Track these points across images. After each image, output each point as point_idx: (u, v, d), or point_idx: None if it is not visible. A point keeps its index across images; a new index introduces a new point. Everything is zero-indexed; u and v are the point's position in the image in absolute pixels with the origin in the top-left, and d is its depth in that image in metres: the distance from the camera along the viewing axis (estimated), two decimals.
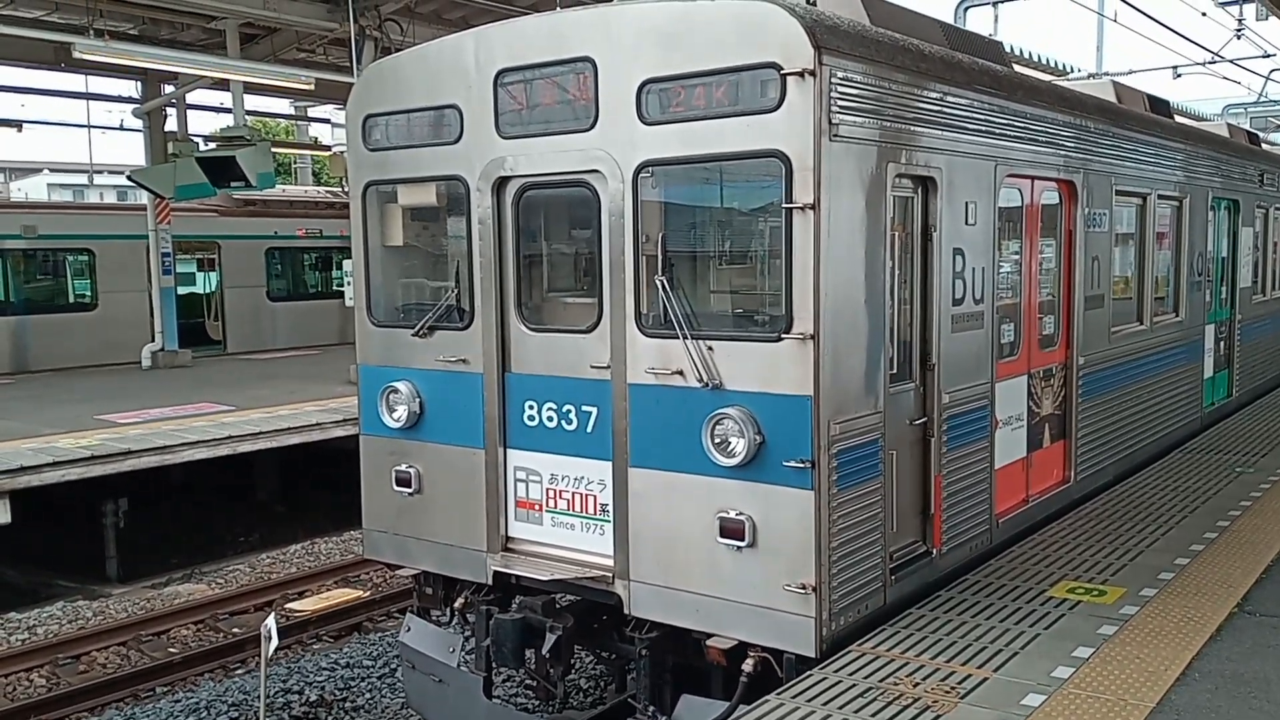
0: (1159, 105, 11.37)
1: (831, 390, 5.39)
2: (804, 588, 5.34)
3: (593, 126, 5.92)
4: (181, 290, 22.12)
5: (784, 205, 5.28)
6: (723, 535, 5.55)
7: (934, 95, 6.13)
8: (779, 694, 5.02)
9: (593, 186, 6.00)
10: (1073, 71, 25.00)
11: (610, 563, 6.04)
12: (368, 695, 9.14)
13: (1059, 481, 8.09)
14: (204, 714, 8.68)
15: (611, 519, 6.04)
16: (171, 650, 10.25)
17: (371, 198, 7.03)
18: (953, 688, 4.96)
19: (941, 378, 6.35)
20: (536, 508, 6.41)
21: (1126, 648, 5.44)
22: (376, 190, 7.00)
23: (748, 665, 5.52)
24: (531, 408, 6.37)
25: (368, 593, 11.80)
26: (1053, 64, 25.23)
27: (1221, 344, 12.14)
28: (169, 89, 20.17)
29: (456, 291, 6.63)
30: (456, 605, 6.74)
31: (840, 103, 5.34)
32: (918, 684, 5.00)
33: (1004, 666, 5.21)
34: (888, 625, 5.80)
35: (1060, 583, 6.42)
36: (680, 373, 5.68)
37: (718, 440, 5.53)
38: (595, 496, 6.15)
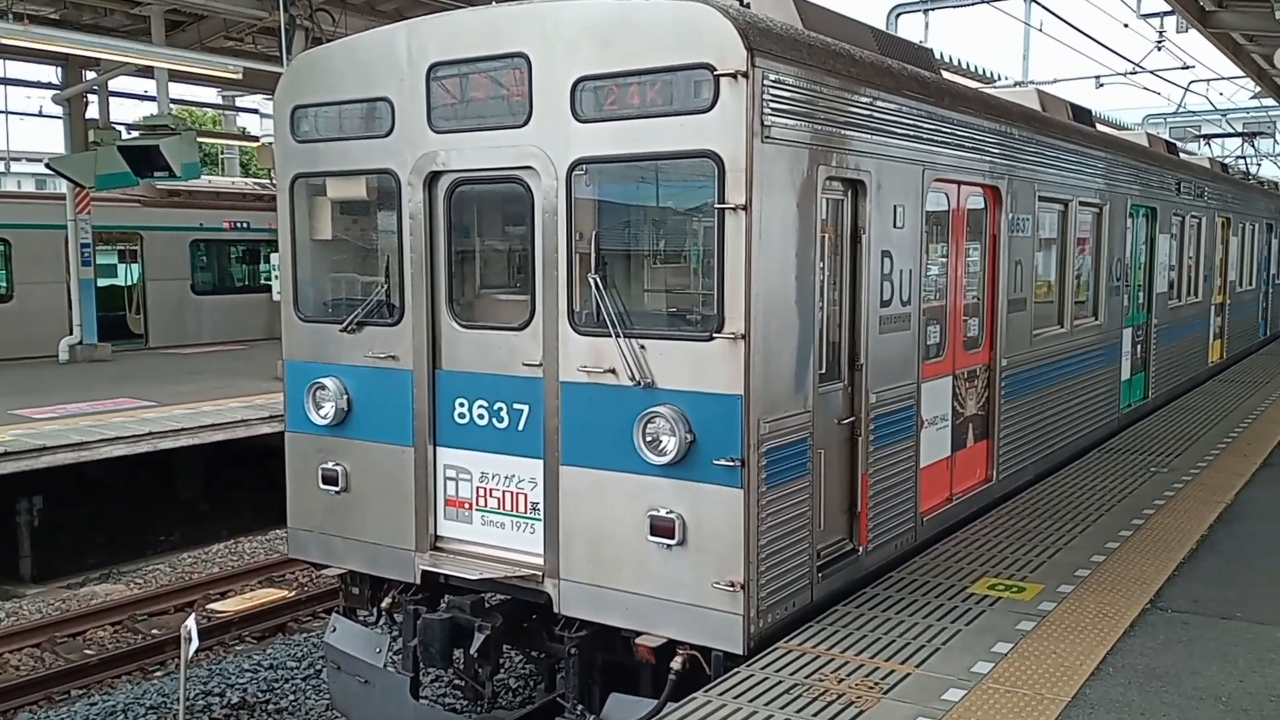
0: (1081, 114, 11.70)
1: (762, 390, 5.44)
2: (732, 585, 5.38)
3: (527, 123, 5.89)
4: (102, 282, 21.46)
5: (716, 206, 5.32)
6: (653, 533, 5.56)
7: (864, 99, 6.23)
8: (706, 691, 5.06)
9: (526, 183, 5.97)
10: (999, 79, 25.56)
11: (540, 561, 6.02)
12: (292, 697, 8.98)
13: (981, 480, 8.28)
14: (121, 717, 8.51)
15: (542, 517, 6.02)
16: (88, 652, 9.99)
17: (299, 190, 6.91)
18: (876, 684, 5.05)
19: (869, 378, 6.46)
20: (466, 506, 6.35)
21: (1044, 643, 5.54)
22: (305, 183, 6.88)
23: (676, 663, 5.55)
24: (462, 405, 6.31)
25: (293, 593, 11.59)
26: (981, 72, 25.80)
27: (1138, 347, 12.54)
28: (91, 75, 19.58)
29: (386, 287, 6.54)
30: (384, 605, 6.65)
31: (772, 105, 5.39)
32: (842, 680, 5.09)
33: (926, 662, 5.31)
34: (814, 622, 5.86)
35: (981, 579, 6.55)
36: (613, 371, 5.68)
37: (649, 439, 5.55)
38: (526, 495, 6.12)
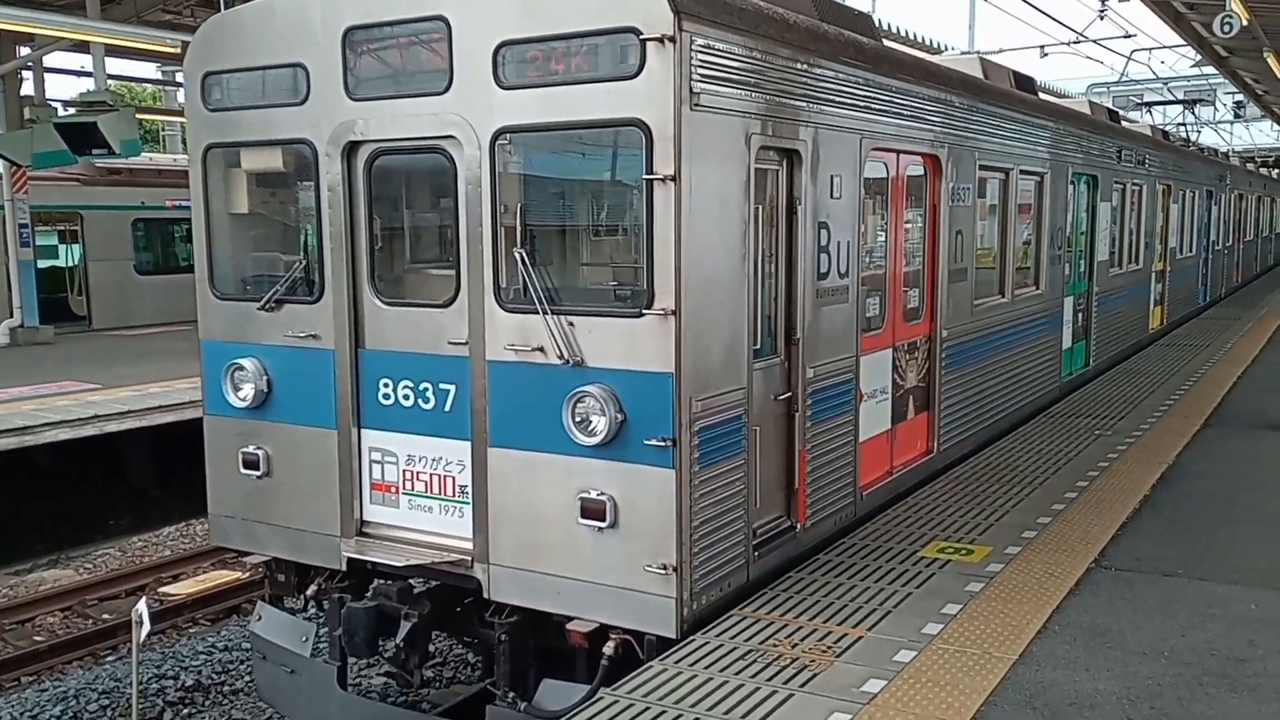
0: (1024, 82, 11.63)
1: (693, 367, 5.28)
2: (665, 568, 5.24)
3: (447, 90, 5.63)
4: (42, 264, 20.83)
5: (644, 177, 5.11)
6: (584, 516, 5.40)
7: (799, 66, 6.04)
8: (662, 659, 5.03)
9: (448, 153, 5.71)
10: (946, 49, 25.55)
11: (469, 546, 5.83)
12: (247, 678, 8.82)
13: (922, 453, 8.23)
14: (73, 703, 8.32)
15: (470, 501, 5.82)
16: (37, 639, 9.83)
17: (213, 161, 6.57)
18: (829, 647, 5.09)
19: (806, 352, 6.32)
20: (392, 490, 6.13)
21: (992, 603, 5.61)
22: (218, 153, 6.55)
23: (608, 648, 5.41)
24: (386, 386, 6.07)
25: (246, 574, 11.30)
26: (927, 42, 25.73)
27: (1080, 315, 12.59)
28: (25, 51, 18.93)
29: (305, 263, 6.26)
30: (309, 593, 6.42)
31: (702, 71, 5.18)
32: (795, 645, 5.13)
33: (877, 625, 5.37)
34: (767, 589, 5.85)
35: (931, 543, 6.60)
36: (541, 349, 5.48)
37: (579, 419, 5.37)
38: (454, 478, 5.92)
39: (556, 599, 5.56)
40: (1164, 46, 28.84)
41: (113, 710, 8.24)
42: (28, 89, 19.20)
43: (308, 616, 6.72)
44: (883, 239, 7.44)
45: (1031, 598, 5.69)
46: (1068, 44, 25.01)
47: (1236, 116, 41.88)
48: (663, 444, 5.19)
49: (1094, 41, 25.10)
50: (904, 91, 7.34)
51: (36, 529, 12.80)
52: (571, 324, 5.39)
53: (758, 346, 5.92)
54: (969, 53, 25.89)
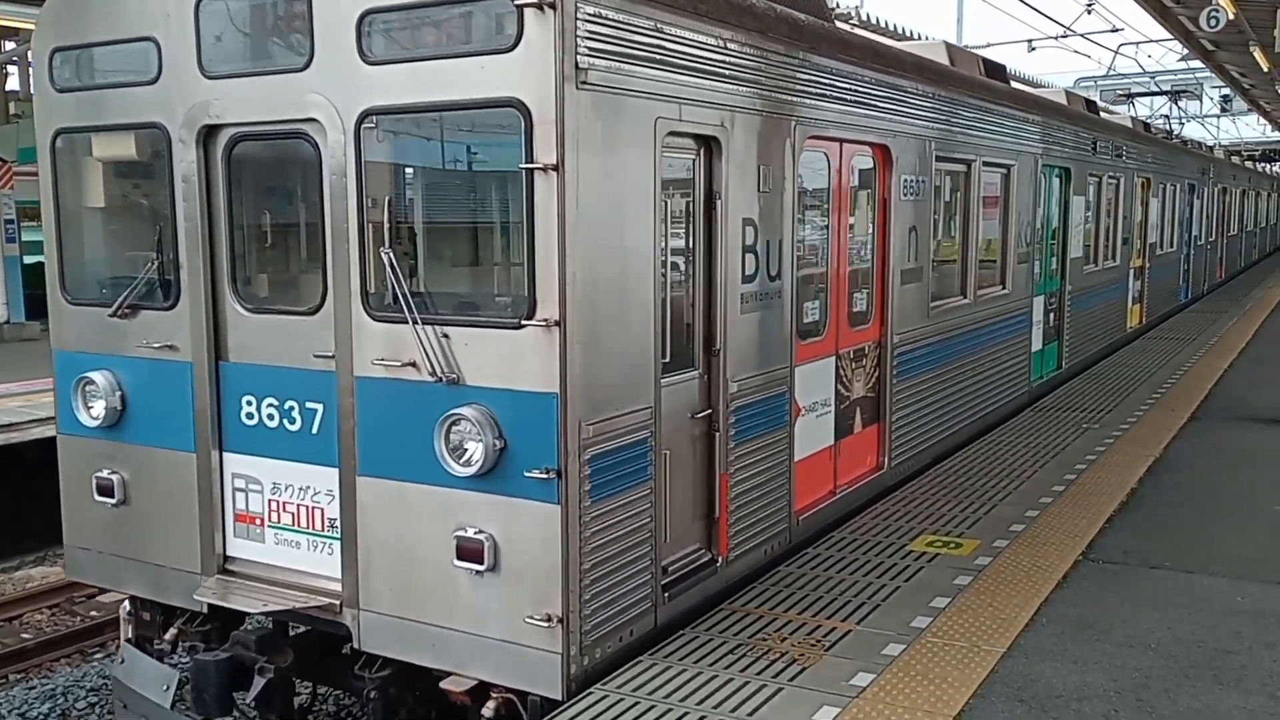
0: (994, 70, 10.94)
1: (584, 386, 4.57)
2: (549, 619, 4.53)
3: (308, 65, 4.90)
4: (29, 259, 20.21)
5: (523, 166, 4.40)
6: (460, 557, 4.69)
7: (714, 41, 5.33)
8: (651, 654, 4.88)
9: (312, 138, 4.99)
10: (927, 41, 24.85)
11: (338, 588, 5.11)
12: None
13: (872, 469, 7.54)
14: (61, 700, 7.96)
15: (340, 536, 5.11)
16: (25, 636, 9.50)
17: (63, 149, 5.83)
18: (818, 641, 5.06)
19: (729, 364, 5.63)
20: (258, 522, 5.41)
21: (981, 597, 5.60)
22: (68, 139, 5.80)
23: (488, 709, 4.71)
24: (250, 404, 5.35)
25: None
26: (909, 34, 25.01)
27: (1051, 316, 11.93)
28: (10, 45, 18.34)
29: (160, 263, 5.52)
30: (167, 637, 5.70)
31: (591, 44, 4.46)
32: (785, 639, 5.09)
33: (867, 619, 5.34)
34: (757, 583, 5.77)
35: (920, 537, 6.57)
36: (413, 364, 4.76)
37: (452, 446, 4.66)
38: (323, 509, 5.20)
39: (433, 651, 4.86)
40: (1151, 40, 28.75)
41: (100, 708, 7.87)
42: (13, 84, 18.81)
43: (173, 662, 5.99)
44: (824, 236, 6.75)
45: (1020, 591, 5.65)
46: (1055, 38, 24.65)
47: (1223, 110, 41.50)
48: (546, 476, 4.49)
49: (1081, 36, 24.85)
50: (846, 74, 6.64)
51: (24, 526, 12.40)
52: (446, 336, 4.68)
53: (668, 360, 5.22)
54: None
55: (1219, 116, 43.63)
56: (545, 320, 4.44)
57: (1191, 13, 16.49)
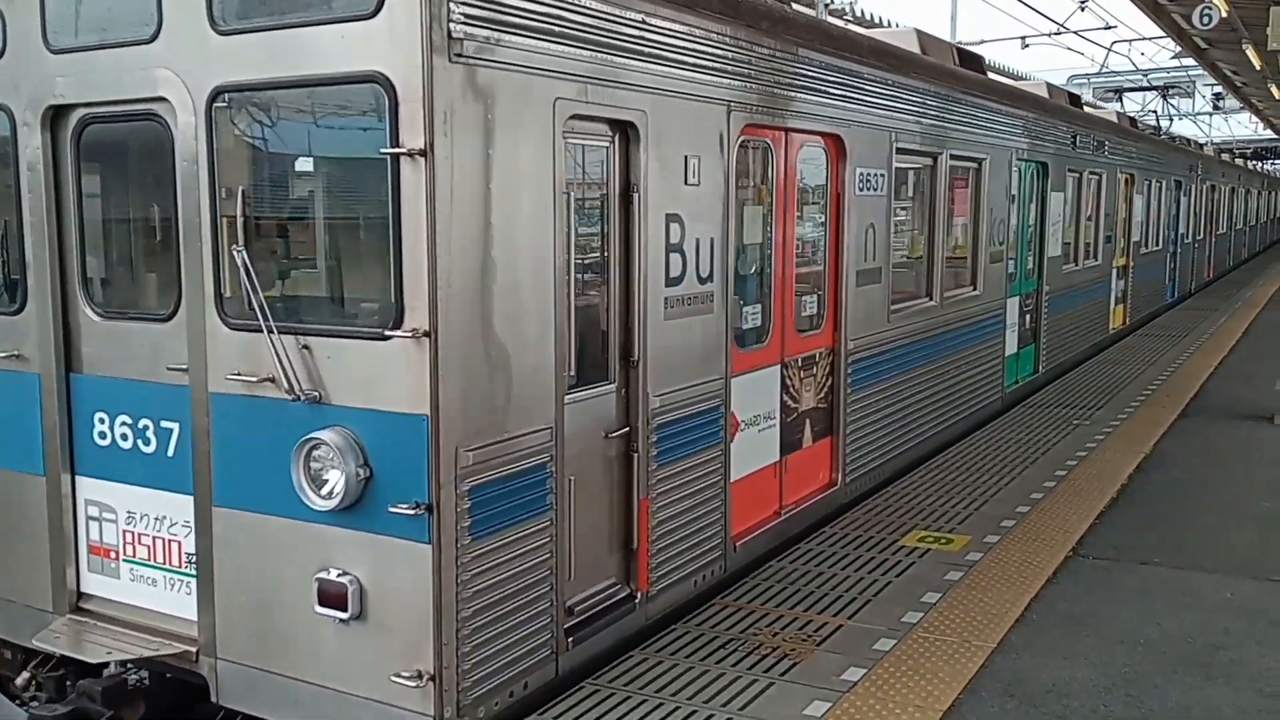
0: (970, 59, 10.37)
1: (464, 406, 3.97)
2: (419, 677, 3.93)
3: (156, 35, 4.29)
4: None
5: (385, 150, 3.78)
6: (323, 603, 4.08)
7: (631, 15, 4.71)
8: (643, 648, 4.84)
9: (163, 120, 4.36)
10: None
11: (194, 633, 4.50)
12: None
13: (823, 486, 6.95)
14: None
15: (197, 573, 4.49)
16: None
17: None
18: (809, 636, 5.03)
19: (650, 376, 5.02)
20: (112, 555, 4.79)
21: (971, 592, 5.58)
22: None
23: None
24: (103, 421, 4.73)
25: None
26: (884, 24, 24.39)
27: (1028, 318, 11.35)
28: None
29: (4, 262, 4.90)
30: (18, 682, 5.07)
31: (468, 10, 3.85)
32: (777, 634, 5.06)
33: (858, 614, 5.31)
34: (747, 579, 5.74)
35: (911, 532, 6.53)
36: (272, 380, 4.14)
37: (313, 474, 4.05)
38: (180, 542, 4.59)
39: (296, 710, 4.24)
40: (1144, 38, 28.57)
41: None
42: None
43: (21, 702, 5.36)
44: (765, 234, 6.15)
45: (1010, 586, 5.65)
46: (1049, 35, 24.67)
47: (1215, 108, 41.33)
48: (415, 511, 3.88)
49: (1075, 33, 24.49)
50: (790, 56, 6.04)
51: None
52: (307, 348, 4.07)
53: (574, 374, 4.61)
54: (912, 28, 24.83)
55: (1211, 114, 43.37)
56: (414, 330, 3.83)
57: (1185, 10, 16.11)
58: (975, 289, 9.49)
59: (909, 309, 8.05)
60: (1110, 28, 24.27)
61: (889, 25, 22.42)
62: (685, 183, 5.16)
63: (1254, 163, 43.84)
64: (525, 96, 4.15)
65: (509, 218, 4.13)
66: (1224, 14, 14.58)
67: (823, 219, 6.79)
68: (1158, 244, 18.33)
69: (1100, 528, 6.67)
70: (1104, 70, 30.40)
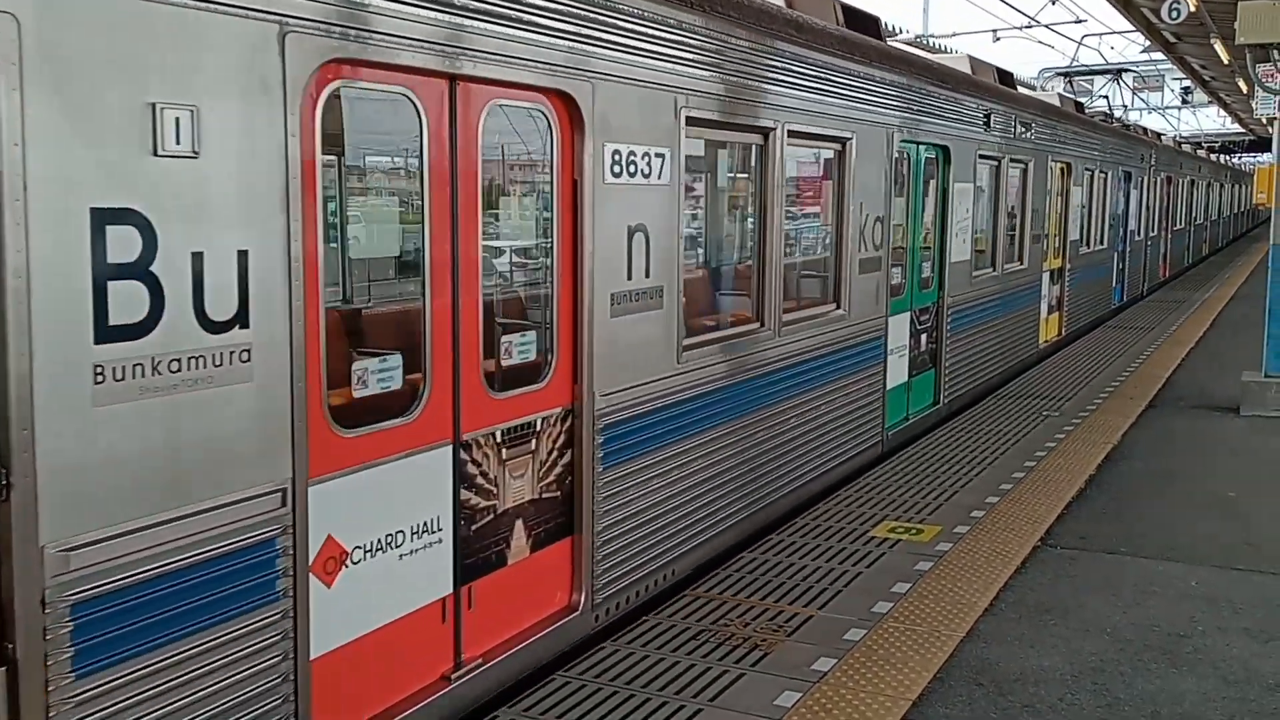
0: (859, 20, 8.12)
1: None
2: None
3: None
4: None
5: None
6: None
7: None
8: (614, 640, 4.67)
9: None
10: (898, 32, 22.79)
11: None
12: None
13: (554, 613, 4.72)
14: None
15: None
16: None
17: None
18: (780, 627, 4.97)
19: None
20: None
21: (941, 582, 5.56)
22: None
23: None
24: None
25: None
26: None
27: (923, 338, 9.20)
28: None
29: None
30: None
31: None
32: (747, 625, 4.98)
33: (828, 604, 5.25)
34: (720, 569, 5.57)
35: (881, 523, 6.49)
36: None
37: None
38: None
39: None
40: (1114, 32, 28.43)
41: None
42: None
43: None
44: (405, 244, 3.89)
45: (979, 576, 5.66)
46: (1020, 29, 24.15)
47: (1184, 103, 40.99)
48: None
49: (1046, 26, 24.17)
50: None
51: None
52: None
53: None
54: (922, 37, 23.12)
55: (1179, 108, 42.92)
56: None
57: (1154, 4, 15.78)
58: (837, 307, 7.29)
59: (718, 343, 5.83)
60: (1081, 21, 24.24)
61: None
62: (156, 153, 2.91)
63: (1222, 156, 42.65)
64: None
65: None
66: (1192, 8, 14.36)
67: (546, 216, 4.54)
68: (1102, 242, 16.24)
69: (1068, 518, 6.71)
70: (1075, 64, 29.46)
